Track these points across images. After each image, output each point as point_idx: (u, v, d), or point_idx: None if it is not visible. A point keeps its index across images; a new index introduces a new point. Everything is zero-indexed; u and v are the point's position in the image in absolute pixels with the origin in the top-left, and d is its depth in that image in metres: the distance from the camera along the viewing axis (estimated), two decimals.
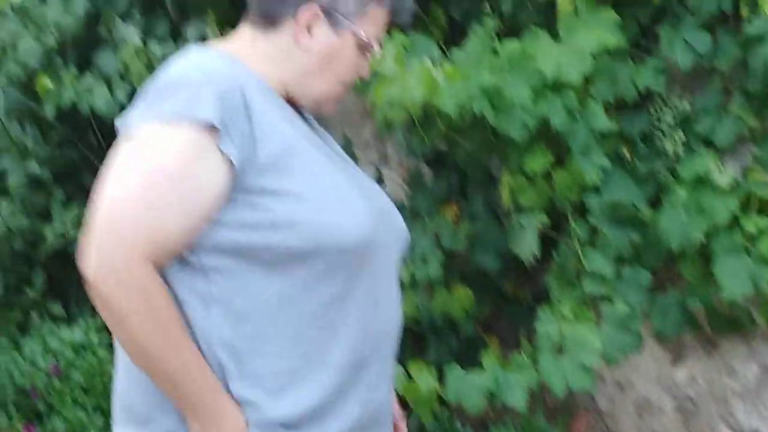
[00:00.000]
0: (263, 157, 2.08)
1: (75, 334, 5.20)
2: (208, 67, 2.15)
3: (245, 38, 2.31)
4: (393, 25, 2.41)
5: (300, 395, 2.13)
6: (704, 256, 3.36)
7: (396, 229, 2.36)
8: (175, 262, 2.09)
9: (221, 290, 2.10)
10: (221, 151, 2.03)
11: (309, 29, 2.26)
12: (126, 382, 2.24)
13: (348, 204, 2.18)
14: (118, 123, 2.13)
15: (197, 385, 2.07)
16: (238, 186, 2.08)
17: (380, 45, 2.37)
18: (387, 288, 2.31)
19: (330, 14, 2.26)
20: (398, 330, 2.36)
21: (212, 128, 2.03)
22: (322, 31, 2.26)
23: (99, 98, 4.93)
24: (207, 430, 2.09)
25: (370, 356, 2.23)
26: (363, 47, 2.31)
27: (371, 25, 2.31)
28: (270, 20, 2.27)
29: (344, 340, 2.18)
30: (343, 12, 2.26)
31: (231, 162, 2.04)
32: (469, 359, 3.85)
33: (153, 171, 2.01)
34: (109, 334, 4.24)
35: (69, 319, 5.56)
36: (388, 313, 2.31)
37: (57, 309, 5.60)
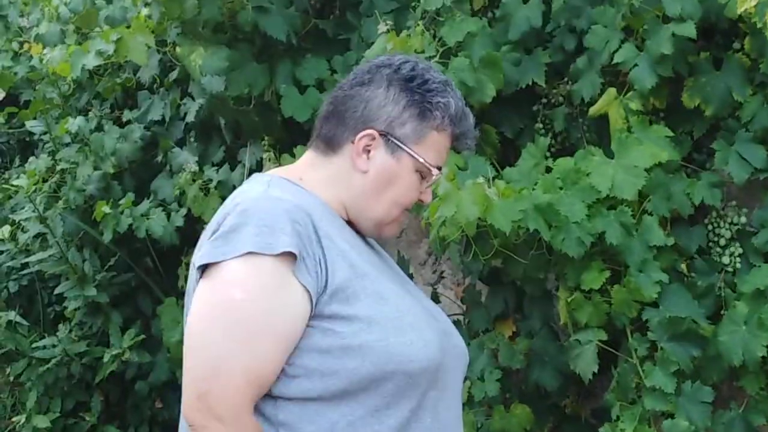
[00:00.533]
0: (333, 284, 2.10)
1: None
2: (276, 197, 2.17)
3: (309, 163, 2.35)
4: (457, 151, 2.43)
5: None
6: (767, 370, 3.32)
7: (458, 350, 2.37)
8: None
9: (289, 416, 2.11)
10: (298, 280, 2.05)
11: (367, 153, 2.29)
12: None
13: (415, 328, 2.19)
14: (197, 260, 2.14)
15: None
16: (312, 312, 2.09)
17: (441, 169, 2.39)
18: (451, 411, 2.31)
19: (387, 139, 2.29)
20: None
21: (290, 257, 2.04)
22: (379, 154, 2.31)
23: (155, 223, 4.99)
24: None
25: None
26: (422, 171, 2.33)
27: (432, 150, 2.34)
28: (331, 145, 2.32)
29: None
30: (400, 136, 2.30)
31: (307, 290, 2.06)
32: None
33: (239, 308, 2.04)
34: None
35: None
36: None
37: None
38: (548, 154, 3.80)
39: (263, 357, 2.04)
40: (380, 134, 2.30)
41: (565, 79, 3.94)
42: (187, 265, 4.24)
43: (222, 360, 2.01)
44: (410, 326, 2.19)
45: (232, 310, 2.04)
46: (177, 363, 4.67)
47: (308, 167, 2.35)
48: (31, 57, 5.76)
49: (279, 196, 2.18)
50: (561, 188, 3.53)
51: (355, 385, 2.11)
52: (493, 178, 3.60)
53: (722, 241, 3.56)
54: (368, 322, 2.12)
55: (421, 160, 2.32)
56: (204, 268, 2.10)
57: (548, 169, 3.67)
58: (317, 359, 2.09)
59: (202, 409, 2.00)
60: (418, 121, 2.32)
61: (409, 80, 2.33)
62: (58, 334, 5.61)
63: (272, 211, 2.11)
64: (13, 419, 5.60)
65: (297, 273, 2.06)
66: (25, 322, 5.67)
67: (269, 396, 2.10)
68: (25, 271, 5.92)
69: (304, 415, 2.11)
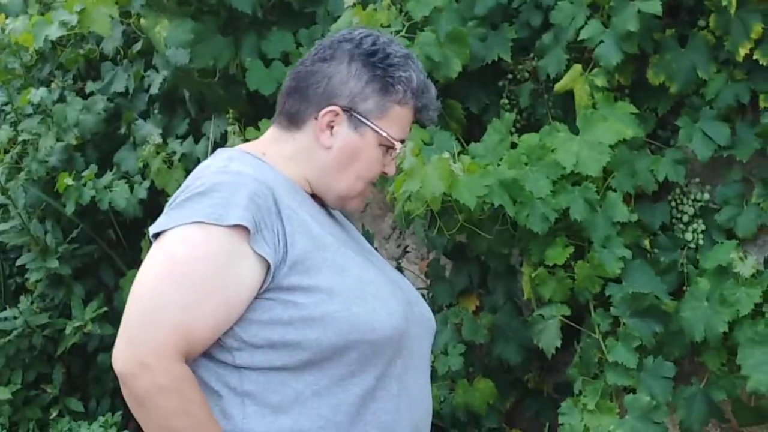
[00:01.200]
0: (294, 255, 2.11)
1: (94, 429, 5.18)
2: (236, 170, 2.18)
3: (272, 138, 2.36)
4: (420, 123, 2.44)
5: None
6: (728, 346, 3.35)
7: (424, 319, 2.39)
8: (208, 358, 2.10)
9: (254, 386, 2.12)
10: (255, 252, 2.06)
11: (331, 129, 2.30)
12: None
13: (379, 298, 2.21)
14: (151, 229, 2.14)
15: None
16: (271, 285, 2.09)
17: (405, 142, 2.40)
18: (419, 379, 2.33)
19: (350, 114, 2.30)
20: (429, 419, 2.37)
21: (244, 230, 2.05)
22: (342, 129, 2.31)
23: (118, 195, 4.97)
24: None
25: None
26: (386, 145, 2.34)
27: (395, 124, 2.35)
28: (294, 121, 2.32)
29: None
30: (363, 112, 2.31)
31: (265, 261, 2.07)
32: None
33: (182, 268, 2.04)
34: (134, 429, 4.22)
35: (88, 415, 5.54)
36: (421, 404, 2.33)
37: (76, 405, 5.57)
38: (513, 129, 3.81)
39: (198, 314, 2.04)
40: (343, 110, 2.30)
41: (531, 55, 3.94)
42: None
43: (156, 310, 2.01)
44: (373, 296, 2.20)
45: (174, 266, 2.05)
46: None
47: (271, 143, 2.36)
48: None
49: (240, 170, 2.19)
50: (526, 164, 3.54)
51: (319, 355, 2.12)
52: (459, 154, 3.61)
53: (685, 218, 3.59)
54: (329, 293, 2.13)
55: (384, 134, 2.33)
56: (157, 236, 2.12)
57: (513, 145, 3.68)
58: (280, 331, 2.10)
59: (129, 356, 1.99)
60: (380, 95, 2.33)
61: (371, 55, 2.33)
62: (19, 306, 5.58)
63: (231, 185, 2.12)
64: None
65: (253, 244, 2.07)
66: None
67: (234, 367, 2.11)
68: None
69: (269, 385, 2.12)
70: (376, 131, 2.32)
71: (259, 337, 2.10)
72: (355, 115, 2.31)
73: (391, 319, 2.20)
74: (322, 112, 2.30)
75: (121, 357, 2.01)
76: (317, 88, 2.31)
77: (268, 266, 2.08)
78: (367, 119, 2.31)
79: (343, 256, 2.22)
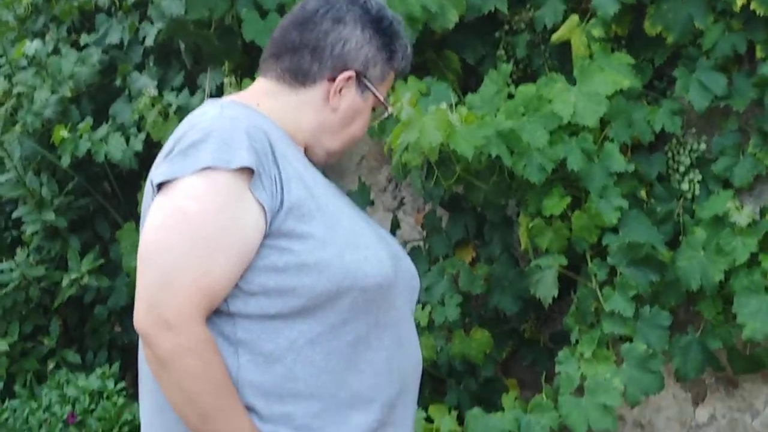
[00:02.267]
0: (289, 201, 2.13)
1: (91, 381, 5.19)
2: (232, 116, 2.19)
3: (266, 90, 2.37)
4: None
5: None
6: (724, 295, 3.38)
7: (410, 274, 2.43)
8: None
9: (248, 334, 2.13)
10: (255, 197, 2.07)
11: (340, 91, 2.33)
12: (152, 427, 2.26)
13: (369, 247, 2.25)
14: (154, 178, 2.15)
15: None
16: (267, 231, 2.11)
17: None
18: (407, 330, 2.36)
19: (359, 79, 2.34)
20: (420, 371, 2.40)
21: (247, 173, 2.06)
22: (350, 93, 2.38)
23: (114, 148, 4.95)
24: None
25: (396, 396, 2.28)
26: (377, 108, 2.41)
27: (386, 87, 2.46)
28: (302, 78, 2.34)
29: (372, 380, 2.22)
30: (371, 77, 2.38)
31: (263, 206, 2.08)
32: (489, 402, 3.85)
33: (194, 220, 2.06)
34: (131, 381, 4.25)
35: (85, 367, 5.56)
36: (411, 354, 2.36)
37: (73, 357, 5.59)
38: (510, 80, 3.81)
39: (216, 269, 2.06)
40: (356, 74, 2.36)
41: (528, 6, 3.93)
42: None
43: (174, 269, 2.03)
44: (364, 245, 2.24)
45: (187, 222, 2.06)
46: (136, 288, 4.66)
47: (265, 95, 2.37)
48: None
49: (235, 116, 2.20)
50: (523, 115, 3.55)
51: (313, 302, 2.14)
52: (456, 104, 3.61)
53: (682, 168, 3.60)
54: (323, 240, 2.16)
55: (382, 99, 2.42)
56: (161, 186, 2.12)
57: (510, 96, 3.68)
58: (274, 278, 2.12)
59: (153, 319, 2.02)
60: (385, 62, 2.41)
61: (379, 21, 2.40)
62: (15, 258, 5.58)
63: (230, 129, 2.14)
64: None
65: (253, 189, 2.09)
66: None
67: (227, 314, 2.13)
68: None
69: (263, 333, 2.14)
70: (376, 96, 2.40)
71: (254, 284, 2.12)
72: (365, 80, 2.37)
73: (383, 268, 2.24)
74: (341, 76, 2.35)
75: (144, 319, 2.03)
76: (333, 50, 2.35)
77: (266, 212, 2.10)
78: (373, 85, 2.39)
79: (335, 206, 2.26)
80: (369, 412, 2.21)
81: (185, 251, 2.04)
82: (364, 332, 2.21)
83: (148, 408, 2.29)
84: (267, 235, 2.12)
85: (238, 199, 2.08)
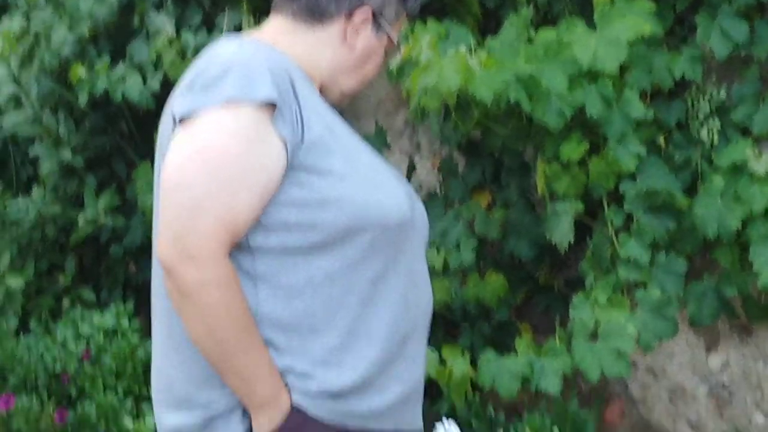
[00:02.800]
0: (309, 137, 2.13)
1: (106, 319, 5.23)
2: (253, 51, 2.19)
3: (282, 29, 2.36)
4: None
5: (345, 366, 2.18)
6: (740, 243, 3.38)
7: (422, 214, 2.43)
8: None
9: (267, 268, 2.15)
10: (277, 131, 2.08)
11: (357, 30, 2.33)
12: (166, 364, 2.28)
13: (389, 185, 2.27)
14: (175, 111, 2.14)
15: (265, 382, 2.12)
16: (288, 166, 2.12)
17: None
18: (421, 268, 2.38)
19: (375, 18, 2.35)
20: (431, 310, 2.43)
21: (269, 107, 2.07)
22: (366, 32, 2.37)
23: (131, 87, 4.95)
24: (269, 420, 2.14)
25: (410, 333, 2.30)
26: (388, 51, 2.43)
27: (398, 30, 2.45)
28: (319, 16, 2.34)
29: (387, 316, 2.23)
30: (387, 17, 2.38)
31: (284, 141, 2.09)
32: (502, 346, 3.87)
33: (219, 154, 2.06)
34: (145, 319, 4.28)
35: (99, 305, 5.59)
36: (424, 292, 2.39)
37: (88, 294, 5.63)
38: (530, 25, 3.79)
39: (240, 204, 2.06)
40: (373, 13, 2.35)
41: None
42: None
43: (200, 202, 2.03)
44: (384, 182, 2.26)
45: (212, 155, 2.06)
46: (152, 227, 4.69)
47: (282, 33, 2.36)
48: None
49: (256, 51, 2.19)
50: (543, 60, 3.53)
51: (333, 237, 2.15)
52: (475, 49, 3.60)
53: (701, 116, 3.59)
54: (343, 176, 2.16)
55: (395, 40, 2.42)
56: (183, 119, 2.12)
57: (530, 41, 3.67)
58: (295, 213, 2.13)
59: (178, 251, 2.03)
60: (399, 3, 2.40)
61: None
62: (32, 196, 5.60)
63: (251, 63, 2.13)
64: None
65: (275, 123, 2.10)
66: None
67: (247, 249, 2.13)
68: None
69: (283, 267, 2.14)
70: (389, 37, 2.40)
71: (274, 219, 2.12)
72: (381, 19, 2.36)
73: (401, 206, 2.26)
74: (358, 13, 2.34)
75: (169, 251, 2.04)
76: None
77: (287, 147, 2.10)
78: (389, 24, 2.38)
79: (354, 143, 2.28)
80: (384, 347, 2.22)
81: (210, 186, 2.04)
82: (381, 269, 2.22)
83: (162, 344, 2.31)
84: (287, 170, 2.12)
85: (262, 133, 2.08)
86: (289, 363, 2.15)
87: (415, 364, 2.35)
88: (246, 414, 2.16)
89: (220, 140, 2.06)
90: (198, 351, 2.13)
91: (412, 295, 2.30)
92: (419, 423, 2.41)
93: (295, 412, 2.15)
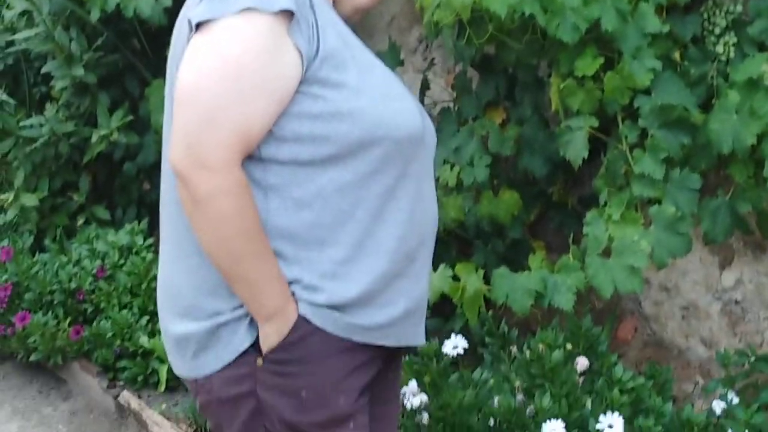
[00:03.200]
0: (324, 49, 2.12)
1: (120, 237, 5.25)
2: None
3: None
4: None
5: (352, 280, 2.19)
6: (755, 159, 3.35)
7: (431, 130, 2.42)
8: None
9: (279, 179, 2.14)
10: (293, 42, 2.06)
11: None
12: (173, 273, 2.29)
13: (401, 99, 2.27)
14: (192, 17, 2.11)
15: (273, 292, 2.13)
16: (303, 77, 2.10)
17: None
18: (428, 185, 2.38)
19: None
20: (436, 226, 2.43)
21: (286, 17, 2.05)
22: None
23: (143, 3, 4.91)
24: (276, 331, 2.15)
25: (416, 248, 2.30)
26: None
27: None
28: None
29: (395, 230, 2.23)
30: None
31: (300, 52, 2.07)
32: (515, 264, 3.86)
33: (236, 63, 2.04)
34: (157, 236, 4.30)
35: (114, 223, 5.61)
36: (431, 209, 2.39)
37: (102, 213, 5.64)
38: None
39: (255, 113, 2.06)
40: None
41: None
42: None
43: (216, 112, 2.03)
44: (397, 96, 2.25)
45: (228, 65, 2.04)
46: None
47: None
48: None
49: None
50: None
51: (345, 150, 2.15)
52: None
53: (717, 30, 3.54)
54: (357, 89, 2.15)
55: None
56: (199, 25, 2.09)
57: None
58: (308, 125, 2.12)
59: (191, 159, 2.02)
60: None
61: None
62: (45, 113, 5.60)
63: None
64: (1, 197, 5.64)
65: (291, 34, 2.08)
66: (11, 101, 5.64)
67: (259, 160, 2.13)
68: (10, 49, 5.85)
69: (294, 178, 2.14)
70: None
71: (286, 130, 2.12)
72: None
73: (414, 120, 2.25)
74: None
75: (182, 159, 2.04)
76: None
77: (302, 58, 2.09)
78: None
79: (368, 57, 2.26)
80: (391, 261, 2.23)
81: (226, 94, 2.03)
82: (391, 183, 2.22)
83: (170, 253, 2.31)
84: (301, 82, 2.11)
85: (279, 43, 2.06)
86: (297, 274, 2.16)
87: (420, 281, 2.35)
88: (253, 324, 2.17)
89: (237, 49, 2.05)
90: (207, 260, 2.13)
91: (419, 212, 2.30)
92: (422, 339, 2.43)
93: (302, 322, 2.16)
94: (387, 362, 2.39)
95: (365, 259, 2.20)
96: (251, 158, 2.12)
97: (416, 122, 2.25)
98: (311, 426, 2.23)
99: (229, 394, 2.23)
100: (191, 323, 2.23)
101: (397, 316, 2.27)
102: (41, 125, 5.45)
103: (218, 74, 2.04)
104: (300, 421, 2.22)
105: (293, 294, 2.16)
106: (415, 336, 2.39)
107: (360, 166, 2.17)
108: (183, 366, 2.30)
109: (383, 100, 2.20)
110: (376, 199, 2.20)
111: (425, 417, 3.41)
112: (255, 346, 2.18)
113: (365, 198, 2.19)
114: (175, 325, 2.28)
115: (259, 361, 2.18)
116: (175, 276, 2.29)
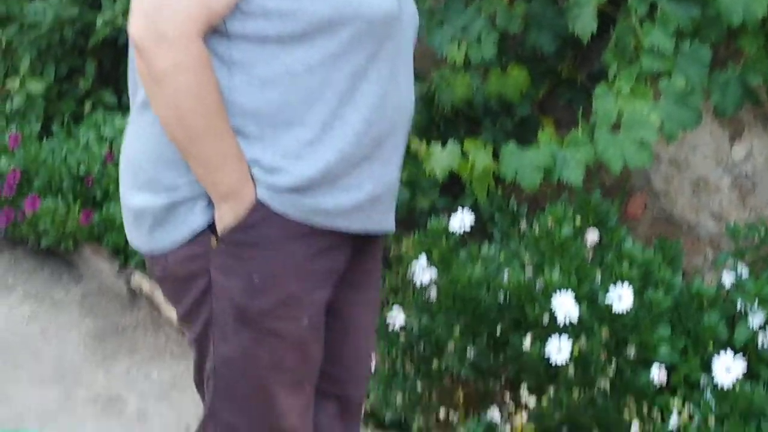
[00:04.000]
0: None
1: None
2: None
3: None
4: None
5: (315, 160, 2.17)
6: (766, 31, 3.32)
7: (412, 14, 2.38)
8: None
9: (244, 56, 2.11)
10: None
11: None
12: (134, 145, 2.27)
13: None
14: None
15: (229, 171, 2.11)
16: None
17: None
18: (405, 69, 2.34)
19: None
20: (412, 112, 2.40)
21: None
22: None
23: None
24: (232, 211, 2.15)
25: (386, 133, 2.28)
26: None
27: None
28: None
29: (364, 112, 2.21)
30: None
31: None
32: (524, 141, 3.84)
33: None
34: None
35: (121, 108, 5.60)
36: (405, 93, 2.35)
37: (109, 97, 5.63)
38: None
39: None
40: None
41: None
42: None
43: None
44: None
45: None
46: None
47: None
48: None
49: None
50: None
51: (312, 27, 2.11)
52: None
53: None
54: None
55: None
56: None
57: None
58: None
59: (151, 31, 1.99)
60: None
61: None
62: None
63: None
64: (7, 84, 5.63)
65: None
66: None
67: (224, 34, 2.10)
68: None
69: (260, 56, 2.11)
70: None
71: (253, 5, 2.08)
72: None
73: (386, 0, 2.19)
74: None
75: (141, 30, 2.01)
76: None
77: None
78: None
79: None
80: (357, 143, 2.21)
81: None
82: (363, 65, 2.18)
83: (131, 124, 2.30)
84: None
85: None
86: (258, 154, 2.14)
87: (389, 166, 2.33)
88: (210, 204, 2.16)
89: None
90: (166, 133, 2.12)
91: (392, 95, 2.27)
92: (391, 225, 2.42)
93: (260, 206, 2.16)
94: (361, 251, 2.40)
95: (331, 140, 2.18)
96: (216, 33, 2.10)
97: (390, 3, 2.20)
98: (260, 314, 2.23)
99: (183, 272, 2.24)
100: (149, 195, 2.22)
101: (363, 200, 2.26)
102: (45, 10, 5.41)
103: None
104: (248, 305, 2.22)
105: (252, 176, 2.14)
106: (384, 222, 2.38)
107: (329, 46, 2.13)
108: (139, 240, 2.30)
109: None
110: (346, 79, 2.17)
111: (434, 292, 3.42)
112: (212, 227, 2.17)
113: (334, 78, 2.16)
114: (133, 197, 2.27)
115: (214, 241, 2.18)
116: (135, 148, 2.27)
